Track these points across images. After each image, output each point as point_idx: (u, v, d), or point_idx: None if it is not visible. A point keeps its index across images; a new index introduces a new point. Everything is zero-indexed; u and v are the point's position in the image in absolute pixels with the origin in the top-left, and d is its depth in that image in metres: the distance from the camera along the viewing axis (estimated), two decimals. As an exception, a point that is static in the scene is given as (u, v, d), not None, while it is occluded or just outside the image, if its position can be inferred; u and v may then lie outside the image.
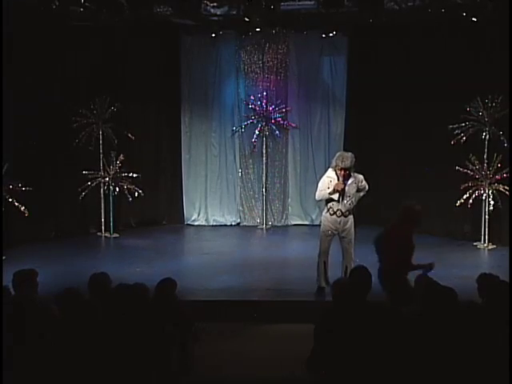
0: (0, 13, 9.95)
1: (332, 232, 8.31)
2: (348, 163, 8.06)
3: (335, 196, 8.12)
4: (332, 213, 8.21)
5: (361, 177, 8.28)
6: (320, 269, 8.42)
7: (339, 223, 8.23)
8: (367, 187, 8.37)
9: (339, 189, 8.06)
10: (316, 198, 8.48)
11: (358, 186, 8.21)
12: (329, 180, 8.20)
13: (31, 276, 5.54)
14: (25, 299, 5.31)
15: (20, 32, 11.04)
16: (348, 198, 8.14)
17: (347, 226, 8.26)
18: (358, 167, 12.87)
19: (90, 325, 4.91)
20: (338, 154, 8.37)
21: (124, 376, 4.80)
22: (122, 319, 4.98)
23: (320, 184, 8.35)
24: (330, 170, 8.33)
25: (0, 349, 4.74)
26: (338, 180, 8.12)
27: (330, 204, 8.23)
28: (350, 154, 8.31)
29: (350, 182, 8.14)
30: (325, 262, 8.37)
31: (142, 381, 4.94)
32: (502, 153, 10.97)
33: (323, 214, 8.42)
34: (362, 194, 8.40)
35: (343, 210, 8.18)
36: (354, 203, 8.32)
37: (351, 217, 8.34)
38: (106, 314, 5.09)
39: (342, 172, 8.07)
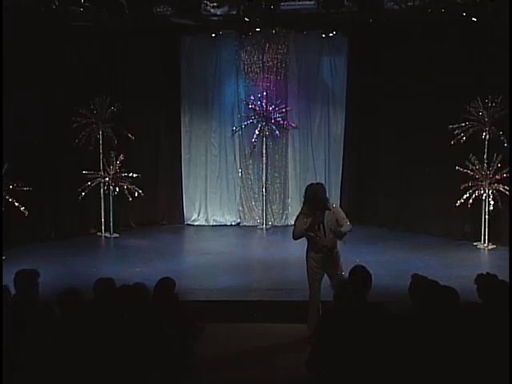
0: (0, 13, 9.95)
1: (320, 274, 7.36)
2: (322, 195, 7.32)
3: (313, 232, 7.29)
4: (317, 250, 7.31)
5: (338, 208, 7.53)
6: (311, 316, 7.31)
7: (327, 260, 7.31)
8: (350, 224, 7.38)
9: (317, 222, 7.23)
10: (293, 237, 7.45)
11: (337, 217, 7.33)
12: (303, 217, 7.34)
13: (33, 276, 5.54)
14: (26, 299, 5.31)
15: (20, 32, 11.03)
16: (330, 231, 7.27)
17: (335, 261, 7.34)
18: (355, 170, 13.15)
19: (91, 324, 4.90)
20: (307, 188, 7.52)
21: (124, 375, 4.80)
22: (123, 319, 4.98)
23: (296, 222, 7.47)
24: (304, 206, 7.46)
25: (0, 349, 4.74)
26: (315, 214, 7.25)
27: (312, 242, 7.37)
28: (321, 185, 7.64)
29: (326, 213, 7.29)
30: (318, 309, 7.28)
31: (143, 380, 4.93)
32: (502, 153, 10.97)
33: (307, 254, 7.44)
34: (344, 229, 7.32)
35: (329, 246, 7.29)
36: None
37: (337, 251, 7.42)
38: (106, 313, 5.09)
39: (313, 205, 7.26)
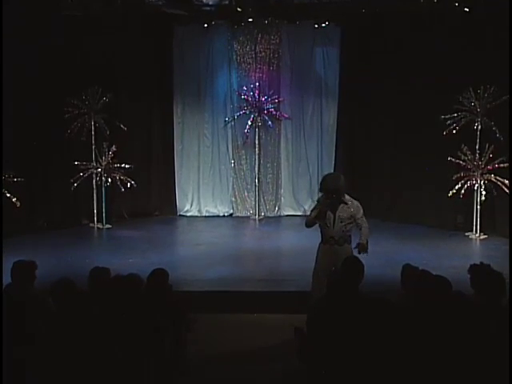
0: (0, 10, 9.91)
1: (327, 268, 7.00)
2: (331, 185, 7.19)
3: (322, 221, 7.22)
4: (325, 241, 7.26)
5: (356, 203, 7.30)
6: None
7: (334, 254, 7.10)
8: (367, 226, 7.29)
9: (323, 211, 7.18)
10: (305, 224, 7.42)
11: (351, 213, 7.20)
12: (319, 206, 7.33)
13: (30, 268, 5.51)
14: (22, 290, 5.30)
15: (10, 21, 10.92)
16: (340, 224, 7.14)
17: (343, 257, 6.75)
18: (347, 161, 13.14)
19: (84, 315, 4.90)
20: (324, 176, 7.63)
21: (117, 367, 4.79)
22: (116, 309, 4.98)
23: (311, 210, 7.55)
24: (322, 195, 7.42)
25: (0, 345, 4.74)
26: (324, 202, 7.23)
27: (322, 232, 7.31)
28: (336, 174, 7.62)
29: (341, 206, 7.19)
30: None
31: (136, 372, 4.93)
32: (494, 143, 10.99)
33: (319, 246, 7.39)
34: (363, 238, 7.21)
35: (336, 238, 7.15)
36: (350, 232, 7.26)
37: (348, 247, 7.21)
38: (100, 304, 5.09)
39: (327, 194, 7.19)
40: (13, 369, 4.81)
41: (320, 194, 7.44)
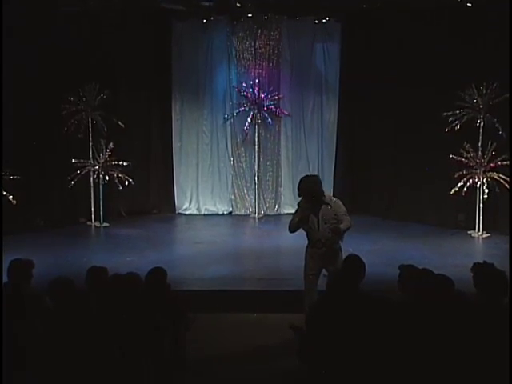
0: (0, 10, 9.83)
1: (315, 269, 7.04)
2: (308, 188, 6.98)
3: (305, 226, 7.04)
4: (312, 244, 7.07)
5: (339, 202, 7.11)
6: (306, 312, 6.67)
7: (322, 256, 6.99)
8: (349, 220, 7.02)
9: (306, 215, 6.99)
10: (289, 230, 7.16)
11: (334, 212, 6.99)
12: (301, 210, 7.11)
13: (27, 266, 5.46)
14: (18, 289, 5.24)
15: (8, 17, 10.83)
16: (325, 225, 6.94)
17: (333, 258, 6.94)
18: (348, 158, 13.08)
19: (83, 315, 4.84)
20: (300, 180, 7.21)
21: (117, 367, 4.74)
22: (114, 309, 4.92)
23: (294, 215, 7.27)
24: (302, 199, 7.18)
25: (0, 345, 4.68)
26: (308, 207, 7.03)
27: (308, 235, 7.12)
28: (311, 176, 7.37)
29: (323, 207, 6.99)
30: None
31: (135, 372, 4.88)
32: (497, 140, 10.91)
33: (306, 248, 7.19)
34: (343, 226, 6.97)
35: (323, 240, 6.96)
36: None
37: (337, 249, 7.06)
38: (98, 303, 5.03)
39: (306, 198, 7.00)
40: (12, 368, 4.76)
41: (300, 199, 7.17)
